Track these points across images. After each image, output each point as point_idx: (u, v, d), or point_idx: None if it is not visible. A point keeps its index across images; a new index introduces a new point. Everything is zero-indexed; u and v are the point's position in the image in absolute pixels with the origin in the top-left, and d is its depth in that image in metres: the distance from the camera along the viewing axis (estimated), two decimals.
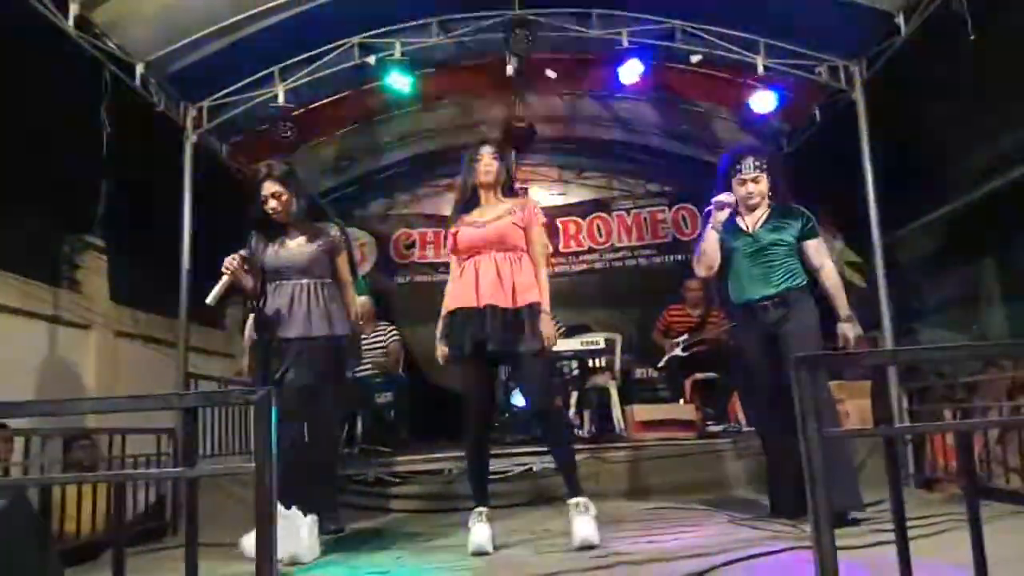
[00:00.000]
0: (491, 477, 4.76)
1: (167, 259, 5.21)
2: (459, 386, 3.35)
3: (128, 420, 4.26)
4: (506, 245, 3.32)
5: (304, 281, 3.37)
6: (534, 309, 3.23)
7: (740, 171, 3.60)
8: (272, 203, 3.39)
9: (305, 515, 3.17)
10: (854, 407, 4.67)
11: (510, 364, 3.36)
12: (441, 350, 3.37)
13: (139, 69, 4.80)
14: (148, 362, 5.71)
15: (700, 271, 3.78)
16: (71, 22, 4.23)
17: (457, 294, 3.35)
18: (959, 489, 4.00)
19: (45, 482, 2.17)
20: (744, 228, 3.62)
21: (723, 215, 3.58)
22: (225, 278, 3.25)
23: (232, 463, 5.08)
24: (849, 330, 3.50)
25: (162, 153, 5.37)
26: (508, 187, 3.51)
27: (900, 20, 4.76)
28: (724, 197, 3.56)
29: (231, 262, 3.28)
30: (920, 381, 4.83)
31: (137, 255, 5.49)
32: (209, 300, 3.23)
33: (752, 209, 3.64)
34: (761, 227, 3.59)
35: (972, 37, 4.20)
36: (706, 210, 3.68)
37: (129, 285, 5.59)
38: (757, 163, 3.60)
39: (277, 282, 3.38)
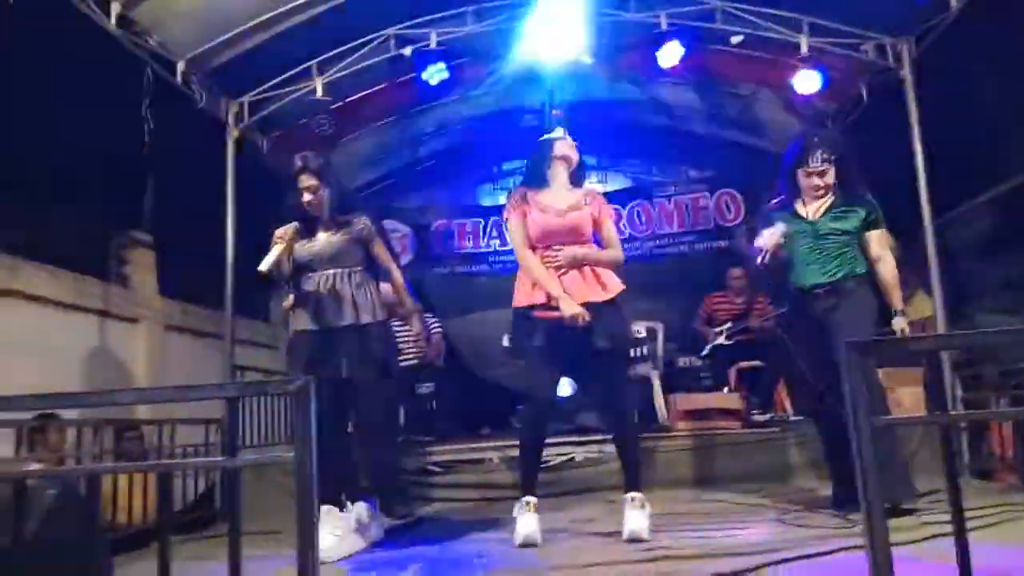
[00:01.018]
0: None
1: (212, 253, 5.30)
2: (523, 372, 3.24)
3: (177, 411, 4.36)
4: (583, 237, 3.23)
5: (330, 271, 3.34)
6: (617, 300, 3.21)
7: (808, 164, 3.49)
8: (307, 196, 3.37)
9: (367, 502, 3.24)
10: (907, 395, 4.54)
11: (597, 354, 3.15)
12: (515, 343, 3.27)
13: (180, 66, 4.87)
14: (196, 354, 5.83)
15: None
16: (113, 21, 4.30)
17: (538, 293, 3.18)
18: (1017, 479, 3.88)
19: (91, 471, 2.21)
20: (803, 215, 3.54)
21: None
22: (279, 246, 3.25)
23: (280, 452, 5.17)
24: (903, 324, 3.43)
25: (205, 149, 5.46)
26: (578, 177, 3.43)
27: None
28: (768, 240, 3.42)
29: (283, 232, 3.30)
30: (974, 368, 4.68)
31: (184, 250, 5.61)
32: (263, 267, 3.21)
33: (816, 198, 3.55)
34: (822, 215, 3.50)
35: None
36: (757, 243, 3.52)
37: (176, 279, 5.72)
38: (826, 156, 3.48)
39: (306, 274, 3.37)
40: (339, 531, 3.14)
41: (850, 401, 1.34)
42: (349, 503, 3.31)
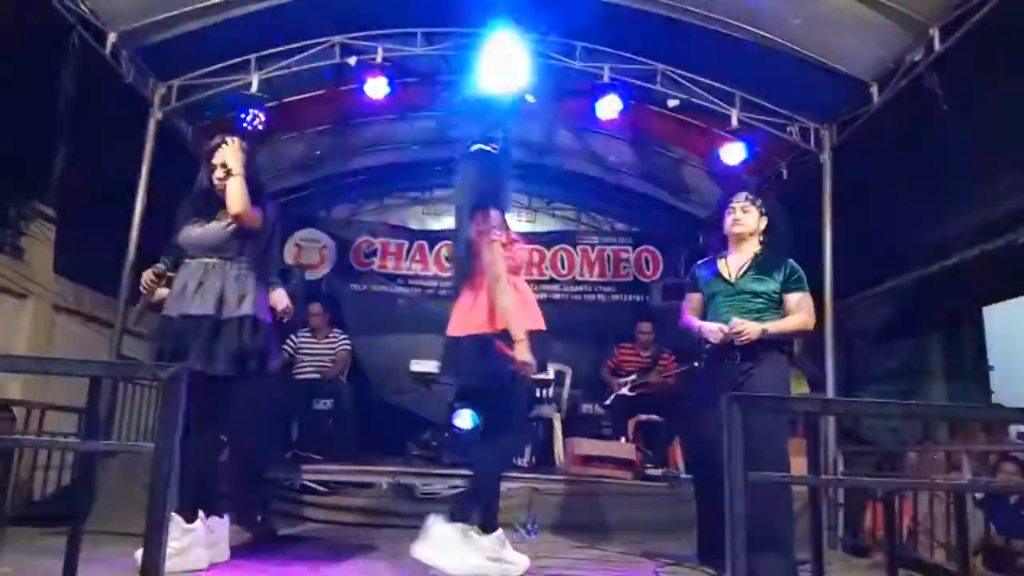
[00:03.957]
0: (423, 496, 4.67)
1: (118, 236, 5.04)
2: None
3: (52, 396, 4.09)
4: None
5: (214, 259, 3.11)
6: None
7: (731, 202, 3.61)
8: (220, 172, 3.15)
9: (220, 517, 3.02)
10: (794, 464, 4.66)
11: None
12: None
13: (111, 38, 4.67)
14: (84, 340, 5.51)
15: None
16: None
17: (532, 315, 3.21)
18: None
19: None
20: (726, 276, 3.55)
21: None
22: (145, 297, 3.18)
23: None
24: (748, 328, 3.30)
25: (125, 127, 5.22)
26: None
27: (874, 90, 4.86)
28: (713, 336, 3.41)
29: (147, 280, 3.19)
30: (857, 446, 4.88)
31: (87, 229, 5.31)
32: (130, 323, 3.13)
33: (738, 245, 3.58)
34: (743, 275, 3.51)
35: (944, 107, 4.26)
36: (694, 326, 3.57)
37: (74, 259, 5.41)
38: (750, 198, 3.60)
39: (186, 260, 3.15)
40: (179, 543, 2.79)
41: (727, 454, 1.35)
42: (203, 514, 2.95)
